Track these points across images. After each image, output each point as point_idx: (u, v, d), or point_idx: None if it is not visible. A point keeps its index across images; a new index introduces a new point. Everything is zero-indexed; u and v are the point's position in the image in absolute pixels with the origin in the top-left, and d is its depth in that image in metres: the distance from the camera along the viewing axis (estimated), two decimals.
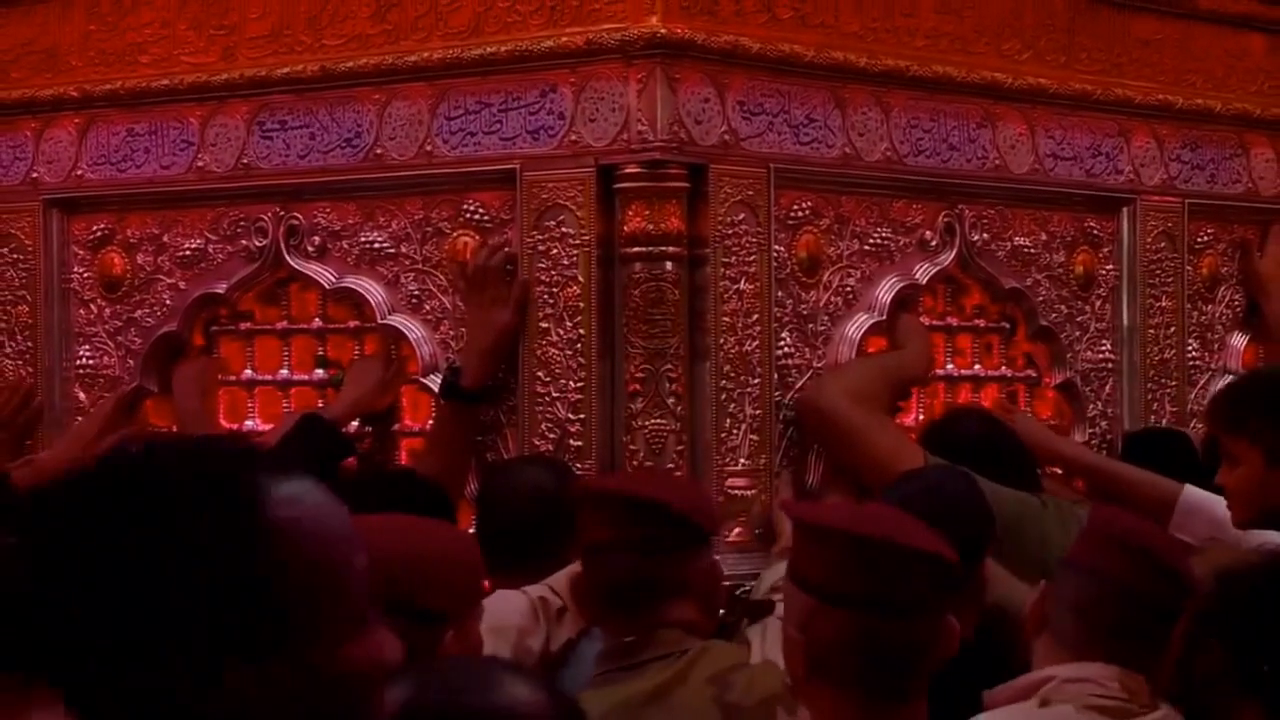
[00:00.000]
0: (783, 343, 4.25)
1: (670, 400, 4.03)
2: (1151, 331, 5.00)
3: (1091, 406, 4.90)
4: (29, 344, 4.86)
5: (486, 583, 4.09)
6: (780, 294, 4.24)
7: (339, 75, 4.41)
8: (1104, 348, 4.93)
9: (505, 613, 3.50)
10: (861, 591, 2.61)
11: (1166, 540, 3.20)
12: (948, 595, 2.66)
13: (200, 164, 4.64)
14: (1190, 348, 5.11)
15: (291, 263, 4.52)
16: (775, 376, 4.21)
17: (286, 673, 1.62)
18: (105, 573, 1.60)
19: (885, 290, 4.45)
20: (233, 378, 4.70)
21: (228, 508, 1.62)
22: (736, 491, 4.10)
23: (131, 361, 4.74)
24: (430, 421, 4.39)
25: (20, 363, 4.88)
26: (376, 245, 4.41)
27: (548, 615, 3.58)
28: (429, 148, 4.31)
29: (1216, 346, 5.20)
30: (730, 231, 4.12)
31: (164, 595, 1.59)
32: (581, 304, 4.08)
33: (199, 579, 1.59)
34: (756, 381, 4.16)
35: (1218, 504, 3.89)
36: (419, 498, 3.67)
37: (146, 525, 1.60)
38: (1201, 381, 5.13)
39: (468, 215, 4.28)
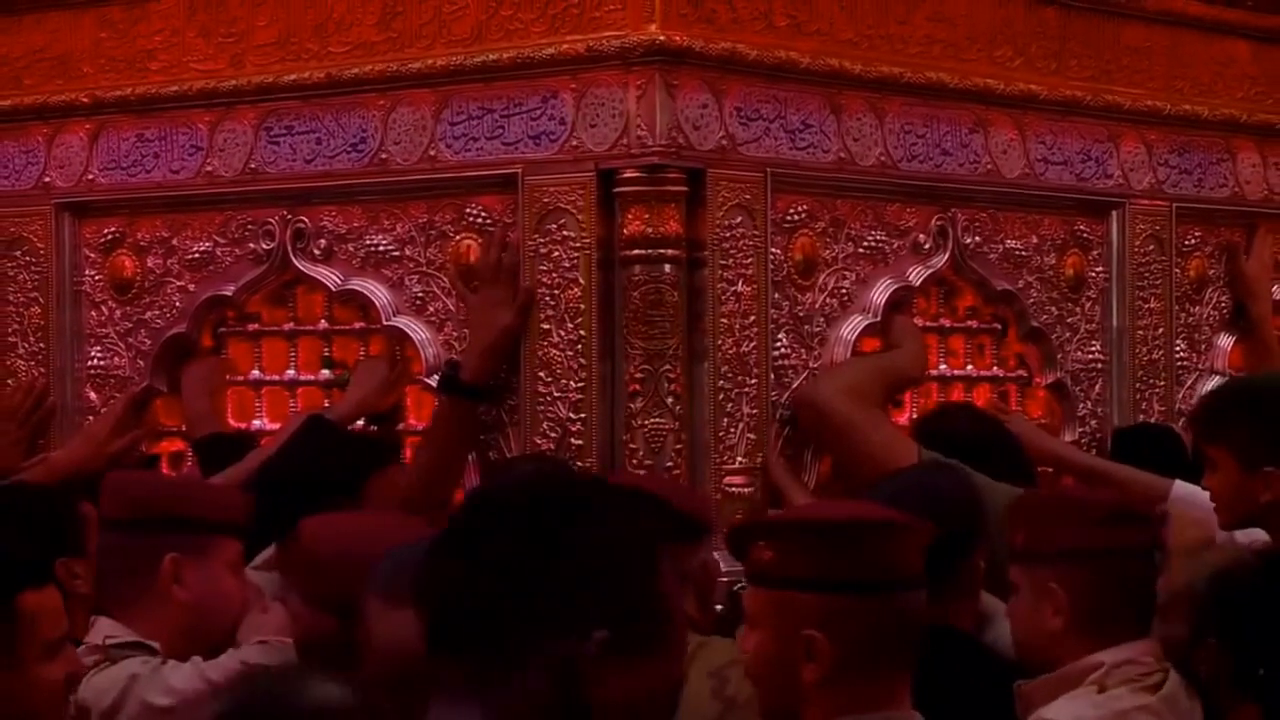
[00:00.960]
0: (779, 344, 4.24)
1: (669, 400, 4.02)
2: (1140, 332, 4.99)
3: (1081, 406, 4.89)
4: (41, 345, 4.86)
5: None
6: (777, 296, 4.23)
7: (345, 82, 4.40)
8: (1094, 348, 4.93)
9: None
10: (884, 574, 2.66)
11: (1131, 498, 3.40)
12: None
13: (209, 169, 4.63)
14: (1178, 348, 5.10)
15: (298, 265, 4.51)
16: (772, 377, 4.20)
17: (642, 679, 1.94)
18: (542, 574, 1.91)
19: (879, 292, 4.44)
20: (240, 378, 4.69)
21: (643, 539, 1.99)
22: (734, 489, 4.09)
23: (141, 362, 4.74)
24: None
25: (33, 363, 4.87)
26: (381, 248, 4.40)
27: None
28: (433, 152, 4.30)
29: (1204, 347, 5.20)
30: (728, 235, 4.11)
31: (590, 596, 1.91)
32: (582, 306, 4.07)
33: (625, 590, 1.93)
34: (754, 382, 4.15)
35: (1209, 499, 3.89)
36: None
37: (583, 538, 1.94)
38: (1189, 381, 5.13)
39: (471, 219, 4.27)
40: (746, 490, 4.10)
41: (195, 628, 3.36)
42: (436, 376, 4.25)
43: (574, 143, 4.10)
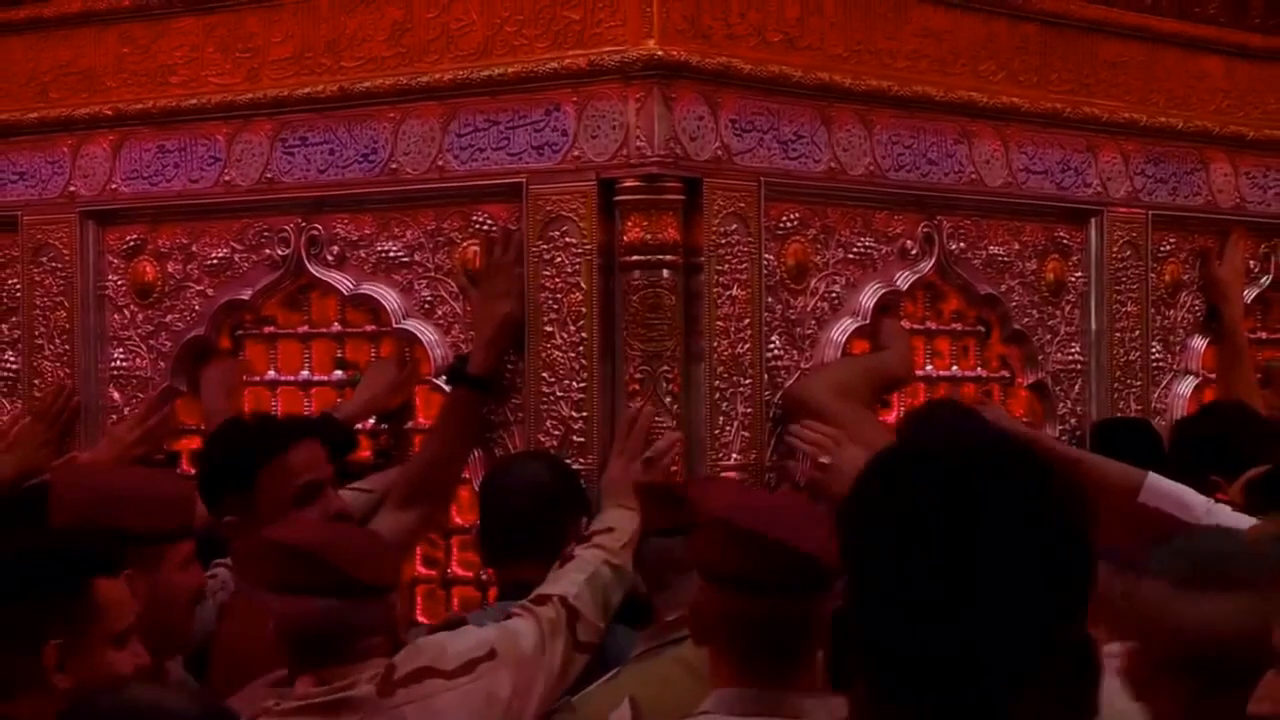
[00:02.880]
0: (772, 345, 4.22)
1: (667, 399, 4.00)
2: (1117, 335, 4.97)
3: (1061, 405, 4.87)
4: (66, 347, 4.84)
5: (490, 571, 4.09)
6: (770, 300, 4.21)
7: (356, 95, 4.38)
8: (1073, 350, 4.91)
9: None
10: (733, 572, 2.83)
11: None
12: (814, 585, 2.80)
13: (227, 178, 4.61)
14: (1154, 350, 5.09)
15: (312, 271, 4.49)
16: (765, 377, 4.18)
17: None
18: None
19: (868, 296, 4.43)
20: (257, 378, 4.68)
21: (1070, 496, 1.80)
22: None
23: (162, 363, 4.72)
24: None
25: (58, 365, 4.85)
26: (392, 254, 4.38)
27: None
28: (441, 163, 4.28)
29: (1178, 349, 5.19)
30: (723, 241, 4.09)
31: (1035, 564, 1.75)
32: (584, 309, 4.05)
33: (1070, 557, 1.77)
34: (748, 382, 4.13)
35: (1181, 490, 3.86)
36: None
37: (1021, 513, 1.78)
38: (1164, 382, 5.11)
39: (477, 226, 4.25)
40: None
41: (144, 630, 3.31)
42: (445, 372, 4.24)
43: (576, 153, 4.08)
